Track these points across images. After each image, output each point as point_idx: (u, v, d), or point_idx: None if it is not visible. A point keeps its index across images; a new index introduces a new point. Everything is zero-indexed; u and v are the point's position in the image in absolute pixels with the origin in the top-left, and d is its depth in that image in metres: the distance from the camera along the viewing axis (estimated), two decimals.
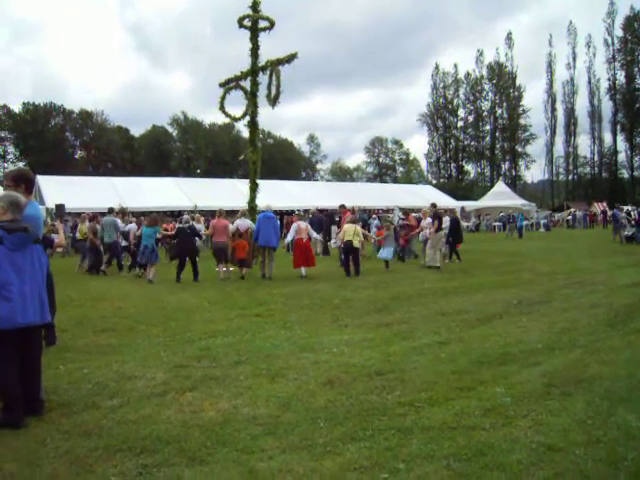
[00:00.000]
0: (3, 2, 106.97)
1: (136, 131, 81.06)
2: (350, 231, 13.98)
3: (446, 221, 19.06)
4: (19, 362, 4.50)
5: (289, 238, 14.48)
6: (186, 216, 15.08)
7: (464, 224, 16.51)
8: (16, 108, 70.46)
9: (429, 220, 16.43)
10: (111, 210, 17.37)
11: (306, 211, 30.50)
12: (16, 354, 4.47)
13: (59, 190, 27.74)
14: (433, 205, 17.22)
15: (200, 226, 20.44)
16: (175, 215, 28.86)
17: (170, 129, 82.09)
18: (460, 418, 4.23)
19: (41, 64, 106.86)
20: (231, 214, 19.89)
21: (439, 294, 10.73)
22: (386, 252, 15.54)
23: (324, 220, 22.10)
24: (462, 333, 7.25)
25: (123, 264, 16.57)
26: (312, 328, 7.79)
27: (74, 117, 74.53)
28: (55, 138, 70.53)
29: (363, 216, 21.99)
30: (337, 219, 21.99)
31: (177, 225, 15.09)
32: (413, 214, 22.07)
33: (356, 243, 13.84)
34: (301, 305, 9.76)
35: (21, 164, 69.30)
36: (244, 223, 14.62)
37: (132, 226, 16.71)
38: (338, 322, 8.22)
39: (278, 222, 15.36)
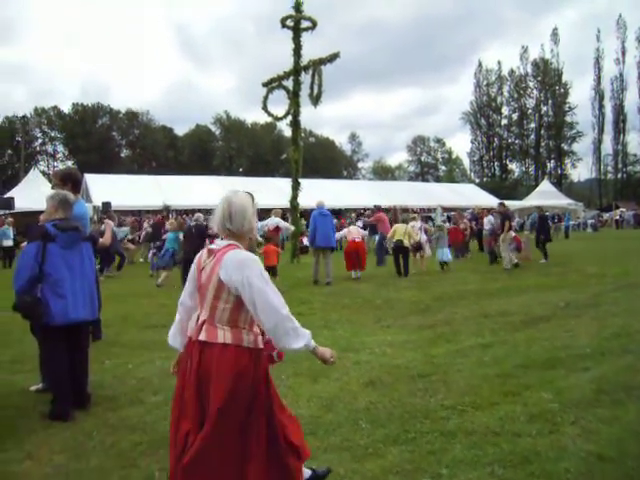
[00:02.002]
0: (57, 6, 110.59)
1: (180, 130, 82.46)
2: (400, 230, 13.88)
3: (489, 221, 18.74)
4: (68, 356, 4.62)
5: (337, 237, 14.04)
6: (198, 214, 13.95)
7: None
8: (66, 109, 72.76)
9: (490, 218, 16.39)
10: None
11: (361, 214, 30.48)
12: (66, 348, 4.60)
13: (106, 188, 28.35)
14: (501, 204, 16.89)
15: None
16: None
17: (213, 128, 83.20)
18: (505, 423, 4.12)
19: (90, 65, 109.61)
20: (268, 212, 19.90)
21: (482, 295, 10.55)
22: (441, 254, 15.27)
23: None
24: (506, 336, 7.10)
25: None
26: (354, 328, 7.76)
27: (120, 117, 76.35)
28: (102, 137, 72.38)
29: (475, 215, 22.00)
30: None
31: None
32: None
33: (406, 242, 13.73)
34: (342, 304, 9.75)
35: (70, 163, 71.38)
36: (271, 221, 14.43)
37: (109, 223, 16.07)
38: (380, 322, 8.17)
39: (334, 220, 14.91)
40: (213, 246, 2.79)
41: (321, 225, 12.95)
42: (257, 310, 2.55)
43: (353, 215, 28.37)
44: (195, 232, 12.71)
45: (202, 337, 2.66)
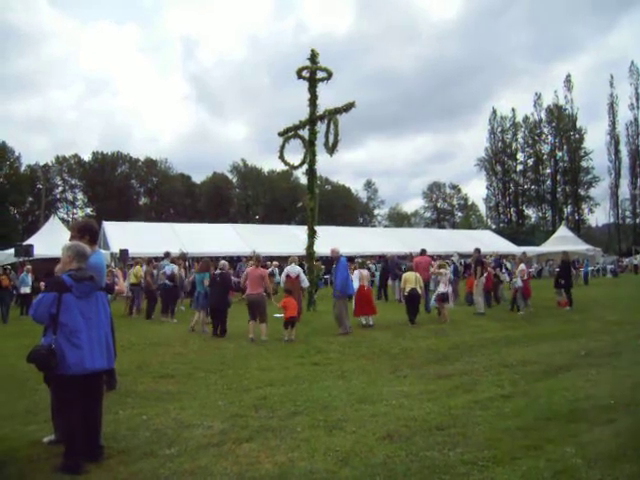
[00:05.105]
0: (77, 59, 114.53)
1: (197, 178, 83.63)
2: (411, 279, 13.88)
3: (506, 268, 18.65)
4: (81, 407, 4.59)
5: (355, 286, 13.53)
6: (223, 261, 13.73)
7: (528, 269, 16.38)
8: (86, 157, 74.45)
9: (523, 267, 16.31)
10: (166, 254, 17.62)
11: (381, 257, 30.46)
12: (80, 399, 4.57)
13: (123, 235, 28.71)
14: (476, 250, 16.99)
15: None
16: (234, 260, 29.17)
17: (230, 176, 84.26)
18: None
19: (110, 115, 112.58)
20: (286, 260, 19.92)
21: (501, 344, 10.39)
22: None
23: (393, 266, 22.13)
24: (527, 386, 6.96)
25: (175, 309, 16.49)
26: (370, 378, 7.66)
27: (139, 165, 77.84)
28: (121, 185, 73.72)
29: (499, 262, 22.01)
30: (404, 267, 21.44)
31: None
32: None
33: (419, 291, 13.82)
34: (359, 354, 9.64)
35: (88, 210, 72.59)
36: (294, 270, 14.42)
37: (173, 267, 16.44)
38: (397, 372, 8.05)
39: None
40: None
41: (346, 273, 12.95)
42: None
43: (367, 261, 28.24)
44: (220, 281, 12.63)
45: None
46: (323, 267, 27.33)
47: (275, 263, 24.38)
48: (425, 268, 15.73)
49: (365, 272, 14.14)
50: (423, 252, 17.53)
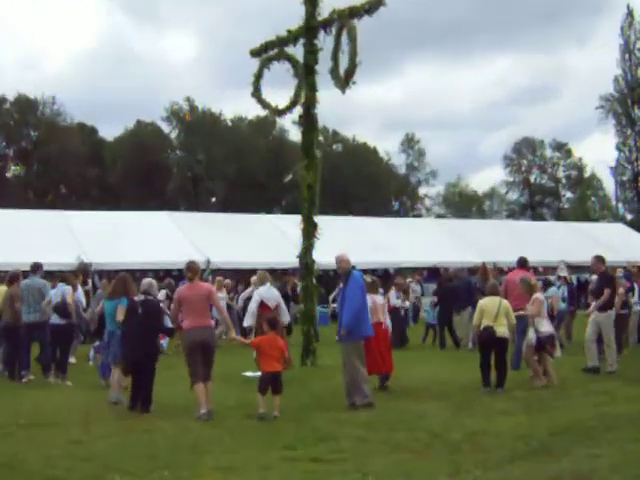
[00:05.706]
0: None
1: (109, 131, 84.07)
2: (491, 309, 13.63)
3: None
4: None
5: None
6: (148, 280, 13.51)
7: None
8: None
9: None
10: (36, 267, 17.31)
11: (434, 270, 30.36)
12: None
13: None
14: (598, 259, 16.89)
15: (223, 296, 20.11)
16: (175, 277, 28.76)
17: (166, 128, 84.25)
18: None
19: None
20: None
21: None
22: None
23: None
24: None
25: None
26: None
27: (7, 109, 77.71)
28: None
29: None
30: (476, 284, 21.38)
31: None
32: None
33: (502, 331, 13.46)
34: (393, 442, 9.66)
35: None
36: (271, 294, 14.12)
37: (66, 289, 16.28)
38: (459, 475, 8.06)
39: None
40: None
41: (363, 300, 12.85)
42: None
43: (407, 278, 28.23)
44: (143, 314, 12.38)
45: None
46: None
47: (254, 279, 24.25)
48: (521, 292, 15.34)
49: (379, 299, 14.31)
50: (522, 263, 17.01)
